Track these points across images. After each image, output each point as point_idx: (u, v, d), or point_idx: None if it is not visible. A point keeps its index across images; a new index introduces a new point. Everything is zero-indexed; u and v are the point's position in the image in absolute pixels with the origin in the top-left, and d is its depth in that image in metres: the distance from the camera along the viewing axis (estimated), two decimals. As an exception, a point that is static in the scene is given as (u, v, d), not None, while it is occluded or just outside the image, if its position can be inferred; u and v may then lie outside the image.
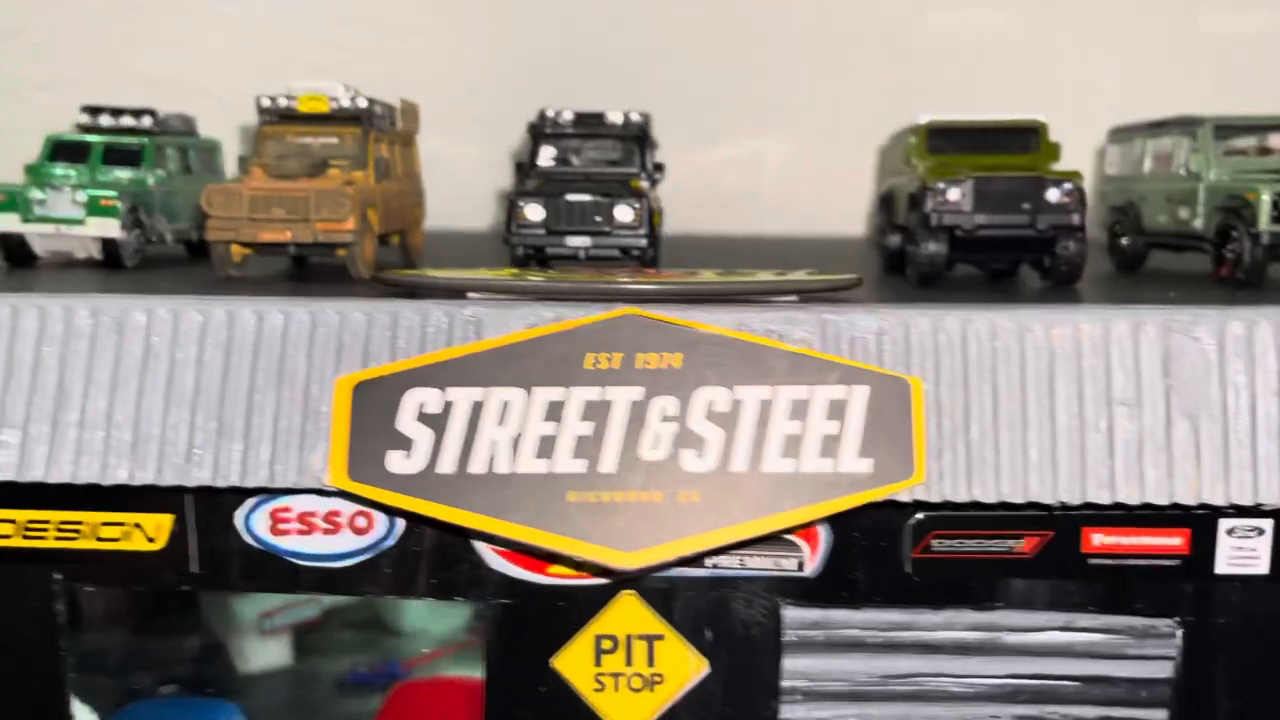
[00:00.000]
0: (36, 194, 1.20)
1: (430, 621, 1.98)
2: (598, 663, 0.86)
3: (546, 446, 0.79)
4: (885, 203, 1.39)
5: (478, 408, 0.79)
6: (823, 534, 0.85)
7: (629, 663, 0.86)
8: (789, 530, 0.81)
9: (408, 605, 1.99)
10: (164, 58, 1.95)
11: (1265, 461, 0.79)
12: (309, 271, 1.21)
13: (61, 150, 1.29)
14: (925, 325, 0.80)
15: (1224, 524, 0.85)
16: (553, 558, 0.82)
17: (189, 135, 1.41)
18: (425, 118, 1.39)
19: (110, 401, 0.81)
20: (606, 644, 0.86)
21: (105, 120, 1.34)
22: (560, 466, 0.78)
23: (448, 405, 0.79)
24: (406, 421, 0.79)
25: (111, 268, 1.21)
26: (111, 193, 1.20)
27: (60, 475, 0.79)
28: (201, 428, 0.80)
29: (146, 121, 1.34)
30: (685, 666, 0.86)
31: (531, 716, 0.87)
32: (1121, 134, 1.35)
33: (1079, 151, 1.45)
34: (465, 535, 0.81)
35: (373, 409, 0.79)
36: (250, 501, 0.85)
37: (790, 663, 0.87)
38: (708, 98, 1.81)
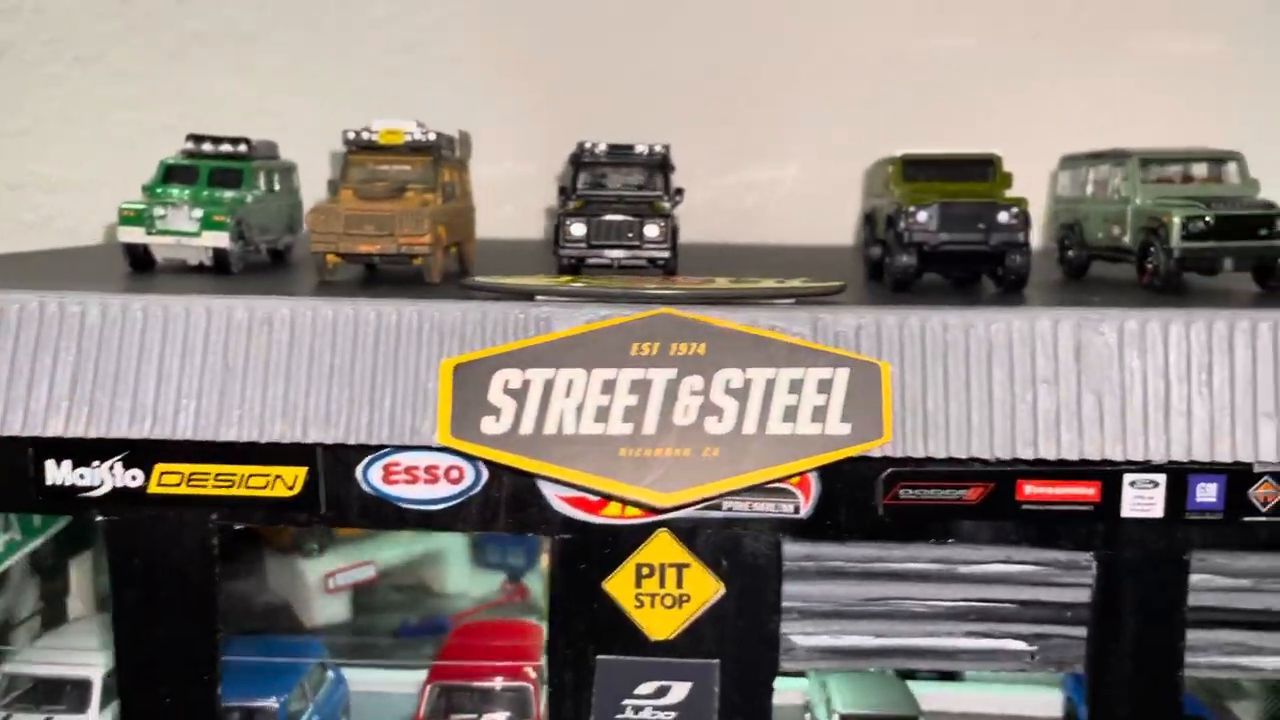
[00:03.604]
0: (158, 210, 1.44)
1: (469, 585, 2.23)
2: (638, 585, 1.10)
3: (602, 414, 1.02)
4: (868, 220, 1.63)
5: (549, 384, 1.03)
6: (814, 484, 1.09)
7: (662, 585, 1.10)
8: (787, 477, 1.05)
9: (450, 571, 2.23)
10: (230, 84, 2.19)
11: (1154, 428, 1.03)
12: (382, 277, 1.44)
13: (173, 173, 1.53)
14: (892, 321, 1.04)
15: (1127, 477, 1.08)
16: (607, 498, 1.06)
17: (273, 159, 1.65)
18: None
19: (263, 378, 1.05)
20: (645, 570, 1.10)
21: (207, 146, 1.58)
22: (613, 429, 1.02)
23: (526, 382, 1.03)
24: (495, 394, 1.03)
25: (221, 273, 1.45)
26: (223, 209, 1.44)
27: (226, 435, 1.04)
28: (334, 399, 1.04)
29: (243, 148, 1.58)
30: (706, 589, 1.10)
31: (586, 627, 1.11)
32: (1069, 162, 1.59)
33: (1040, 176, 1.71)
34: (543, 480, 1.05)
35: (469, 385, 1.03)
36: (368, 457, 1.08)
37: (789, 587, 1.11)
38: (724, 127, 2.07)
